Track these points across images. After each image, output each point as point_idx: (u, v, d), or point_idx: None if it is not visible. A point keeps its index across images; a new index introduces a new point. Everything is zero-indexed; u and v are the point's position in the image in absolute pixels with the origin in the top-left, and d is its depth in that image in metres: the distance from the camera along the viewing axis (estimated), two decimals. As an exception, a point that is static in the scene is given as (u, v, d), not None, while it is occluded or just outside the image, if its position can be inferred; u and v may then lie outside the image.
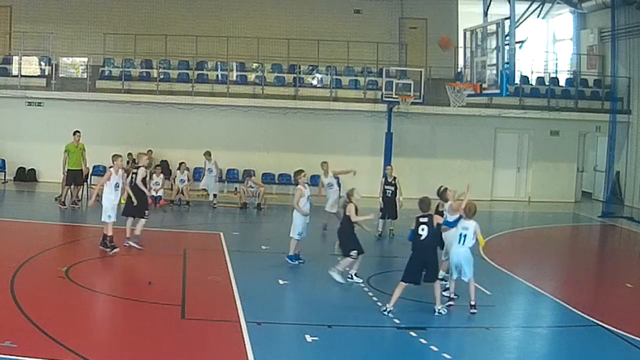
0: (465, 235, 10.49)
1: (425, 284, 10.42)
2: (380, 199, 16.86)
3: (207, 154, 21.00)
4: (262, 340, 8.89)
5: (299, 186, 13.38)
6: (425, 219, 10.39)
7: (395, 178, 16.76)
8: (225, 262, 13.16)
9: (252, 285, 11.63)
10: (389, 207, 16.68)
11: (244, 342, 8.72)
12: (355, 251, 11.98)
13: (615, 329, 9.97)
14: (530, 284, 12.73)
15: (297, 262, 13.39)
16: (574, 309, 11.07)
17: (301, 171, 13.57)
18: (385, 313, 10.24)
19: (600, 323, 10.27)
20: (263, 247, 14.96)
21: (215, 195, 20.86)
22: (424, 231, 10.31)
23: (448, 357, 8.59)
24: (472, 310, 10.55)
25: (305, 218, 13.34)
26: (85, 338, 8.52)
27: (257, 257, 14.23)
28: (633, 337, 9.64)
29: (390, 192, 16.69)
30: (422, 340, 9.19)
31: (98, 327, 9.03)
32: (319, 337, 9.15)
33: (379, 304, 10.72)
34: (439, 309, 10.49)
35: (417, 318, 10.26)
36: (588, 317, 10.61)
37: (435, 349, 8.89)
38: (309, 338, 9.07)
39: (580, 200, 25.91)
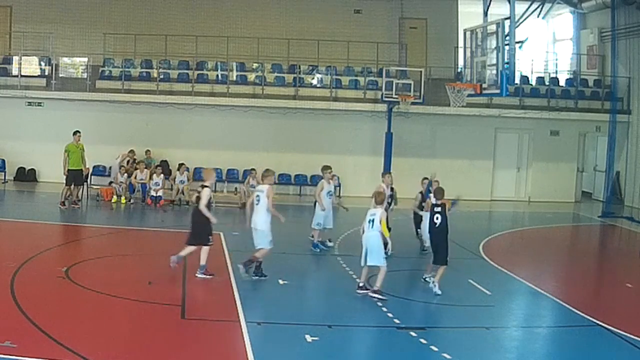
0: (373, 221, 11.25)
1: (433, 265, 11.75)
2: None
3: None
4: (262, 340, 8.90)
5: (322, 180, 14.74)
6: (439, 208, 11.65)
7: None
8: (225, 262, 13.16)
9: (252, 285, 11.63)
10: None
11: (244, 342, 8.72)
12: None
13: (615, 329, 9.97)
14: (530, 284, 12.73)
15: (318, 250, 14.47)
16: (574, 309, 11.07)
17: (328, 167, 14.89)
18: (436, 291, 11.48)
19: (600, 323, 10.27)
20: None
21: None
22: (438, 219, 11.62)
23: (448, 357, 8.59)
24: (373, 295, 10.95)
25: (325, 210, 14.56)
26: (85, 338, 8.51)
27: (257, 257, 14.22)
28: (633, 337, 9.64)
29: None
30: (422, 340, 9.18)
31: (98, 327, 9.02)
32: (319, 337, 9.15)
33: (379, 304, 10.74)
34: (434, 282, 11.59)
35: (417, 318, 10.27)
36: (588, 317, 10.61)
37: (435, 349, 8.88)
38: (309, 338, 9.06)
39: (580, 200, 25.90)
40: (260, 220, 11.92)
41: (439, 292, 11.42)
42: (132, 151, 21.78)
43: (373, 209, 11.48)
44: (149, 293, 10.78)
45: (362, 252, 11.19)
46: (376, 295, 10.93)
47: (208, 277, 11.81)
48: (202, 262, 11.88)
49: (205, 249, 11.93)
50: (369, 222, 11.27)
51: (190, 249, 12.02)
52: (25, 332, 8.52)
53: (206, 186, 12.10)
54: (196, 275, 11.80)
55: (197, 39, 23.82)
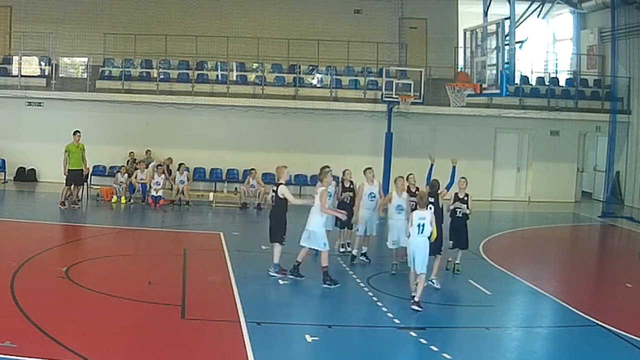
0: (423, 225, 10.66)
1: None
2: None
3: None
4: (262, 340, 8.89)
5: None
6: (432, 199, 11.61)
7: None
8: (225, 262, 13.17)
9: (252, 285, 11.63)
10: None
11: (244, 342, 8.72)
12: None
13: (615, 329, 9.98)
14: (530, 284, 12.73)
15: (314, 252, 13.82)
16: (574, 309, 11.07)
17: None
18: (434, 283, 11.82)
19: (600, 323, 10.28)
20: (263, 247, 14.88)
21: None
22: (430, 209, 11.41)
23: (448, 357, 8.59)
24: (413, 307, 10.43)
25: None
26: (85, 338, 8.51)
27: (257, 257, 14.22)
28: (633, 337, 9.64)
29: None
30: (422, 340, 9.19)
31: (98, 327, 9.02)
32: (319, 337, 9.16)
33: (379, 304, 10.74)
34: (433, 279, 11.85)
35: (417, 318, 10.27)
36: (588, 317, 10.61)
37: (435, 349, 8.89)
38: (309, 338, 9.07)
39: (580, 200, 25.90)
40: (313, 221, 11.92)
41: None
42: (131, 152, 21.92)
43: (420, 212, 10.75)
44: (149, 293, 10.77)
45: (409, 257, 10.76)
46: (416, 307, 10.42)
47: (280, 276, 12.03)
48: (275, 260, 12.12)
49: (277, 247, 12.18)
50: (418, 226, 10.60)
51: (278, 248, 12.19)
52: (25, 332, 8.52)
53: (281, 184, 12.16)
54: (269, 273, 12.10)
55: (197, 39, 23.81)
